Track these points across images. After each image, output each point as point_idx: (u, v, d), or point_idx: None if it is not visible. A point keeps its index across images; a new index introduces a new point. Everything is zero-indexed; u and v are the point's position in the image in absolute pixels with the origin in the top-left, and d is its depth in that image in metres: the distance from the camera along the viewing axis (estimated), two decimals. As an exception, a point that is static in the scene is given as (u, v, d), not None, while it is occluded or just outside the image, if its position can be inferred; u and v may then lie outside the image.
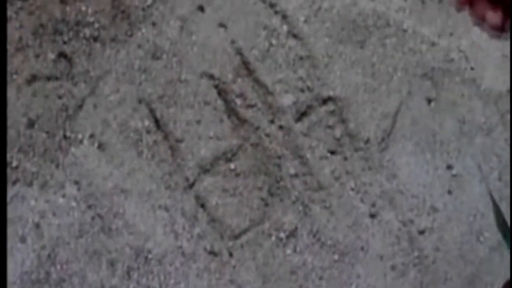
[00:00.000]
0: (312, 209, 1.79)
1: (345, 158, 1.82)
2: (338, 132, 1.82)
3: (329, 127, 1.81)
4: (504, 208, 1.93)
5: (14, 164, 1.60)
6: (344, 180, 1.81)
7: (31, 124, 1.64)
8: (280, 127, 1.78)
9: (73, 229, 1.66)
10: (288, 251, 1.77)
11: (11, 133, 1.61)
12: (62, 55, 1.69)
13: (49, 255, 1.62)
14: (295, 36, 1.80)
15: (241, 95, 1.77)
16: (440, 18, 1.93)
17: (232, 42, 1.77)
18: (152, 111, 1.72)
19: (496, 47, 2.00)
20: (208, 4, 1.77)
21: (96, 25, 1.70)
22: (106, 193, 1.68)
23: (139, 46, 1.73)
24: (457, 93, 1.93)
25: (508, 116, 1.99)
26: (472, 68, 1.95)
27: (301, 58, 1.80)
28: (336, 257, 1.80)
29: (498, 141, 1.96)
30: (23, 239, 1.59)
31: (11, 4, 1.63)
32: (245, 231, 1.75)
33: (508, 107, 1.99)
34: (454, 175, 1.90)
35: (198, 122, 1.74)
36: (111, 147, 1.69)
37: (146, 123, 1.72)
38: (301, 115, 1.80)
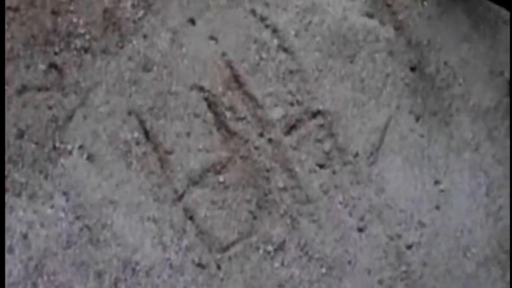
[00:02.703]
0: (300, 223, 1.79)
1: (334, 172, 1.83)
2: (327, 146, 1.83)
3: (318, 140, 1.82)
4: (491, 223, 1.95)
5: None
6: (333, 193, 1.82)
7: (20, 134, 1.63)
8: (270, 140, 1.79)
9: (60, 240, 1.65)
10: (276, 264, 1.77)
11: (0, 143, 1.61)
12: (52, 66, 1.68)
13: (36, 266, 1.62)
14: (285, 50, 1.82)
15: (231, 108, 1.77)
16: (429, 34, 1.95)
17: (223, 55, 1.78)
18: (142, 123, 1.72)
19: (484, 63, 2.02)
20: (199, 17, 1.78)
21: (87, 37, 1.70)
22: (95, 204, 1.68)
23: (130, 58, 1.73)
24: (445, 108, 1.94)
25: (496, 132, 2.00)
26: (460, 84, 1.97)
27: (291, 72, 1.81)
28: (323, 270, 1.80)
29: (485, 156, 1.97)
30: (10, 250, 1.59)
31: (2, 14, 1.64)
32: (233, 244, 1.76)
33: (496, 122, 2.00)
34: (442, 190, 1.92)
35: (188, 134, 1.74)
36: (100, 158, 1.69)
37: (136, 134, 1.72)
38: (291, 129, 1.81)
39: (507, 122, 2.01)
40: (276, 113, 1.79)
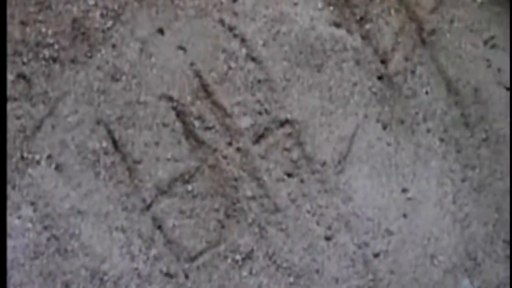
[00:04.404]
0: (268, 231, 1.83)
1: (302, 181, 1.87)
2: (295, 154, 1.87)
3: (286, 149, 1.86)
4: (458, 231, 1.98)
5: (-29, 184, 1.62)
6: (301, 202, 1.86)
7: (-12, 144, 1.65)
8: (238, 149, 1.83)
9: (28, 250, 1.68)
10: (244, 273, 1.82)
11: (-33, 153, 1.62)
12: (21, 76, 1.72)
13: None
14: (253, 59, 1.86)
15: (199, 117, 1.81)
16: (393, 43, 2.00)
17: (191, 64, 1.82)
18: (110, 133, 1.76)
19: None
20: (168, 27, 1.82)
21: (56, 47, 1.73)
22: (63, 214, 1.71)
23: (99, 68, 1.76)
24: (412, 117, 1.99)
25: (462, 140, 2.02)
26: (427, 93, 2.00)
27: (259, 81, 1.86)
28: (291, 279, 1.84)
29: (452, 165, 2.01)
30: (-22, 261, 1.59)
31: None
32: (201, 253, 1.80)
33: (462, 131, 2.03)
34: (409, 199, 1.95)
35: (156, 143, 1.78)
36: (69, 168, 1.72)
37: (104, 144, 1.75)
38: (259, 138, 1.85)
39: (475, 130, 2.04)
40: (244, 122, 1.83)
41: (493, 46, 2.05)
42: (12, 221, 1.67)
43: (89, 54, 1.76)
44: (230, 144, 1.83)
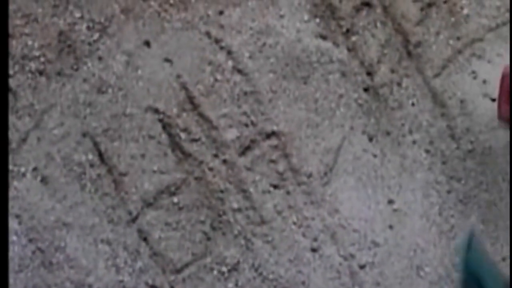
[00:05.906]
0: (254, 243, 1.85)
1: (288, 193, 1.89)
2: (281, 166, 1.89)
3: (272, 161, 1.88)
4: (444, 242, 2.00)
5: (-44, 197, 1.63)
6: (287, 214, 1.88)
7: (-26, 157, 1.67)
8: (224, 161, 1.85)
9: (13, 263, 1.70)
10: (230, 286, 1.84)
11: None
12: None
13: (-13, 290, 1.66)
14: (239, 71, 1.88)
15: (185, 130, 1.84)
16: (379, 55, 2.02)
17: (178, 77, 1.85)
18: (96, 145, 1.79)
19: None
20: (154, 39, 1.84)
21: (42, 59, 1.76)
22: (48, 227, 1.73)
23: (85, 80, 1.79)
24: (398, 128, 2.00)
25: (448, 152, 2.04)
26: (413, 104, 2.02)
27: (245, 93, 1.88)
28: None
29: (438, 176, 2.02)
30: (-37, 274, 1.61)
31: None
32: (187, 265, 1.82)
33: (447, 143, 2.07)
34: (395, 210, 1.97)
35: (142, 156, 1.81)
36: (54, 181, 1.75)
37: (90, 156, 1.78)
38: (245, 150, 1.87)
39: (461, 142, 2.05)
40: (230, 134, 1.85)
41: (479, 58, 2.07)
42: (-3, 234, 1.69)
43: (75, 67, 1.79)
44: (216, 156, 1.85)
